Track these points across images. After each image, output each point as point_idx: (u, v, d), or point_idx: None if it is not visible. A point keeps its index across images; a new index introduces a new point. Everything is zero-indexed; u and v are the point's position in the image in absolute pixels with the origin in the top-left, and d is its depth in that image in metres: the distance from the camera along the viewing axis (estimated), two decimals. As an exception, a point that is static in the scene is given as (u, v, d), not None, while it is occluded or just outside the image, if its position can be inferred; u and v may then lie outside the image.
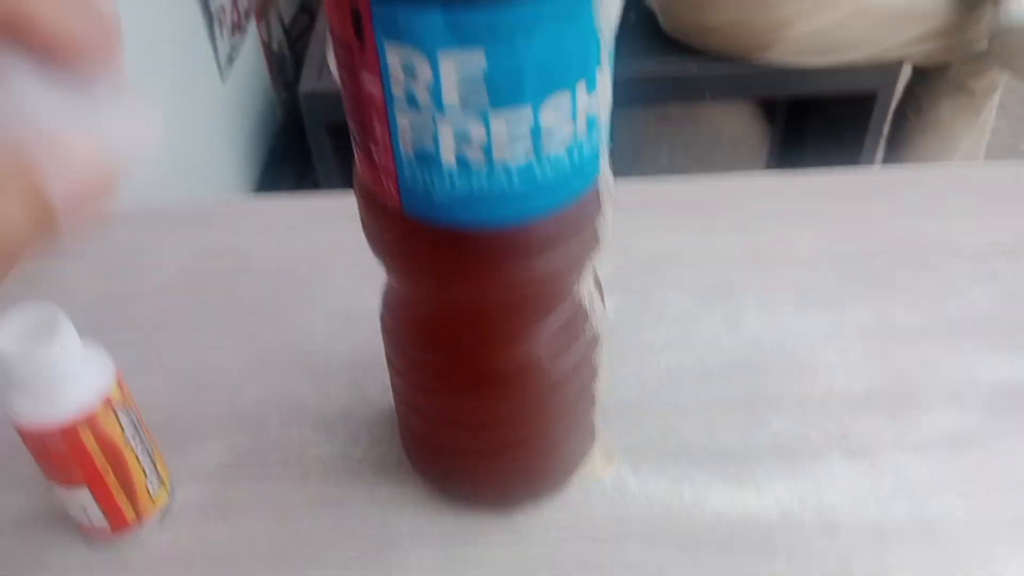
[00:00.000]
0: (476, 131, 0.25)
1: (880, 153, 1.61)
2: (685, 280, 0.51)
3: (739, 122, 2.27)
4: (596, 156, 0.28)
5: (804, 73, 1.41)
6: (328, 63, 0.28)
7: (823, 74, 1.41)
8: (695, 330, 0.49)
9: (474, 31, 0.23)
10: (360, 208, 0.31)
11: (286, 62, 1.76)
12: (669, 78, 1.44)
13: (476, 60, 0.23)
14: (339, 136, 1.49)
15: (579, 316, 0.35)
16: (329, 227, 0.55)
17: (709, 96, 1.47)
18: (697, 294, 0.50)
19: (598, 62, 0.25)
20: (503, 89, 0.24)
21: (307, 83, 1.41)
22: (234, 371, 0.47)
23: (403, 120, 0.25)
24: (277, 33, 1.72)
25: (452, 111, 0.24)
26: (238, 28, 1.46)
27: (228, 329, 0.49)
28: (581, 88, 0.25)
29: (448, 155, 0.26)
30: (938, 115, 1.51)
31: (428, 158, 0.26)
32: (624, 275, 0.50)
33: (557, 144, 0.26)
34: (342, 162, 1.52)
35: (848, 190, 0.57)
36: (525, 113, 0.25)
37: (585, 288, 0.34)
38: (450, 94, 0.24)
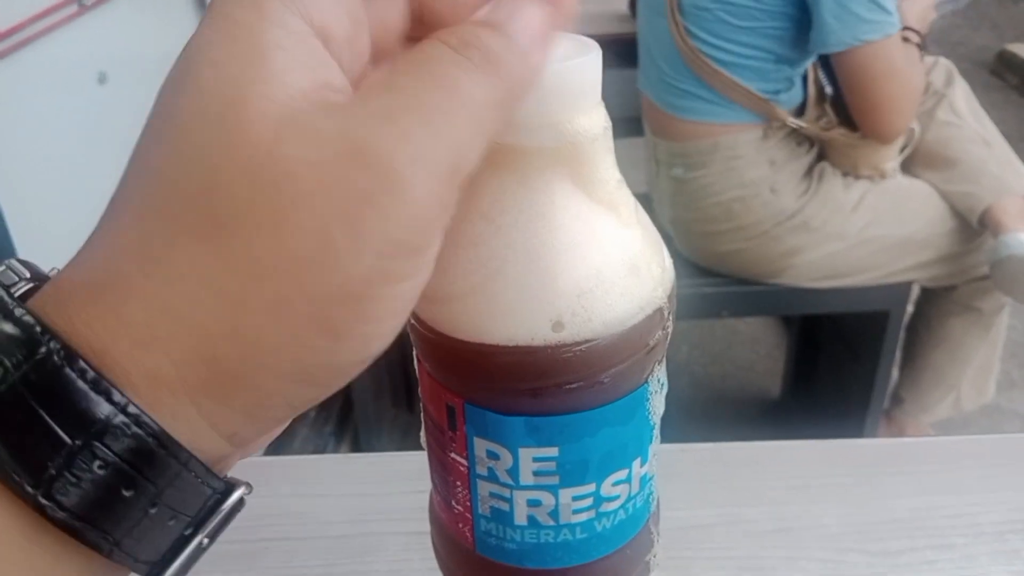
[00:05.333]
0: (546, 500, 0.29)
1: (896, 364, 1.65)
2: (719, 556, 0.54)
3: (756, 322, 2.33)
4: (648, 503, 0.32)
5: (816, 294, 1.48)
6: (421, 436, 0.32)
7: (835, 294, 1.48)
8: (732, 609, 0.51)
9: (550, 433, 0.27)
10: (433, 537, 0.35)
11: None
12: (687, 296, 1.52)
13: (550, 452, 0.28)
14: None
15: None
16: (383, 490, 0.58)
17: (726, 314, 1.54)
18: (731, 572, 0.53)
19: (651, 440, 0.30)
20: (572, 473, 0.28)
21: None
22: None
23: (483, 489, 0.30)
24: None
25: (526, 486, 0.29)
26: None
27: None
28: (636, 462, 0.30)
29: (520, 517, 0.30)
30: (949, 332, 1.56)
31: (502, 517, 0.30)
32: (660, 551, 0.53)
33: (615, 504, 0.30)
34: (374, 382, 1.57)
35: (866, 459, 0.61)
36: (589, 487, 0.29)
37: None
38: (526, 476, 0.28)
